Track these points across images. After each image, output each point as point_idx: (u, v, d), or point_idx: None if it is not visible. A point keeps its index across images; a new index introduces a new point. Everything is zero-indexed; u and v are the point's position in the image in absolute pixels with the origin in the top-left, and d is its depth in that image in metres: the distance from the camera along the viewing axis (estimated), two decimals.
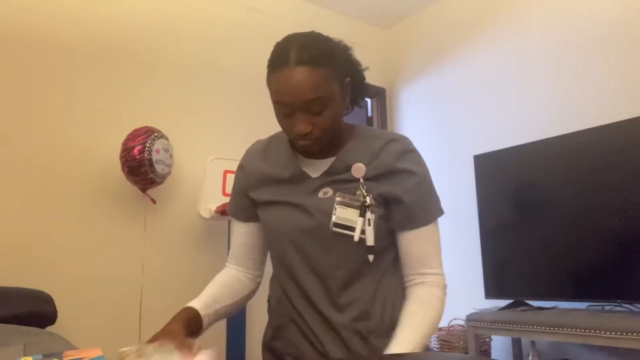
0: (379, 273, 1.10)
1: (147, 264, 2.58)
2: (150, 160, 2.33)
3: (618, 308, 2.27)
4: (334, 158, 1.09)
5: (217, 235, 2.83)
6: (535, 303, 2.56)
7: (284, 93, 0.99)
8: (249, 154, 1.21)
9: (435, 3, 3.65)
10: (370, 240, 1.03)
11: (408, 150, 1.09)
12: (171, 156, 2.49)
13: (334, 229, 1.03)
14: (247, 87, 3.12)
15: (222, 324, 2.67)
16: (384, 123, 3.83)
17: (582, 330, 2.09)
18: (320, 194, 1.07)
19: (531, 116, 2.94)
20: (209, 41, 3.02)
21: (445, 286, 1.09)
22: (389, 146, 1.09)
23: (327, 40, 1.05)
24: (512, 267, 2.62)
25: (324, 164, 1.10)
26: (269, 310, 1.21)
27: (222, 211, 2.53)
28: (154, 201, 2.58)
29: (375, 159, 1.08)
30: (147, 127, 2.43)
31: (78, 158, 2.47)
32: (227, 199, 2.60)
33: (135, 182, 2.41)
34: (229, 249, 2.60)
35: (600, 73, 2.66)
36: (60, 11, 2.53)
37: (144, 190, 2.48)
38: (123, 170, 2.38)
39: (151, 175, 2.36)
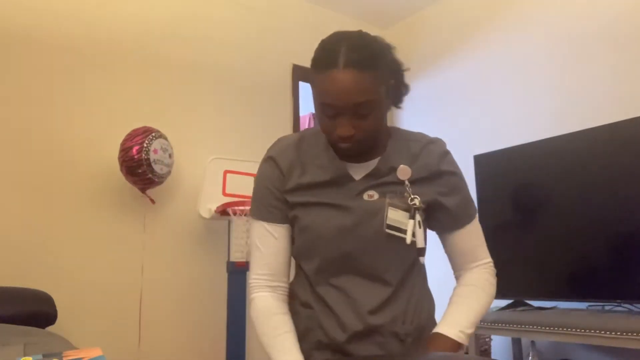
0: (415, 277, 1.12)
1: (147, 264, 2.58)
2: (148, 160, 2.33)
3: (618, 308, 2.27)
4: (375, 160, 1.08)
5: (217, 235, 2.83)
6: (535, 303, 2.56)
7: (331, 95, 0.96)
8: (280, 150, 1.12)
9: (435, 3, 3.65)
10: (420, 242, 1.04)
11: (446, 152, 1.12)
12: (170, 156, 2.49)
13: (388, 230, 1.03)
14: (248, 87, 3.12)
15: (222, 323, 2.67)
16: None
17: (582, 330, 2.09)
18: (365, 197, 1.06)
19: (531, 116, 2.94)
20: (209, 41, 3.02)
21: (494, 271, 1.14)
22: (428, 148, 1.10)
23: (375, 40, 1.02)
24: (512, 267, 2.61)
25: (366, 167, 1.09)
26: (294, 313, 1.14)
27: (222, 211, 2.53)
28: (153, 201, 2.58)
29: (416, 162, 1.08)
30: (145, 127, 2.43)
31: (78, 158, 2.47)
32: (227, 199, 2.60)
33: (134, 182, 2.41)
34: (229, 249, 2.61)
35: (601, 73, 2.66)
36: (59, 11, 2.53)
37: (143, 190, 2.48)
38: (122, 170, 2.38)
39: (150, 175, 2.36)
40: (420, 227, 1.04)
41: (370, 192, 1.07)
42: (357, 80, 0.94)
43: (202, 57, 2.98)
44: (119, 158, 2.38)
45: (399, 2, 3.65)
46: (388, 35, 3.96)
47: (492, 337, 2.83)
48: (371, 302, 1.06)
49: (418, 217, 1.04)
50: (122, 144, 2.38)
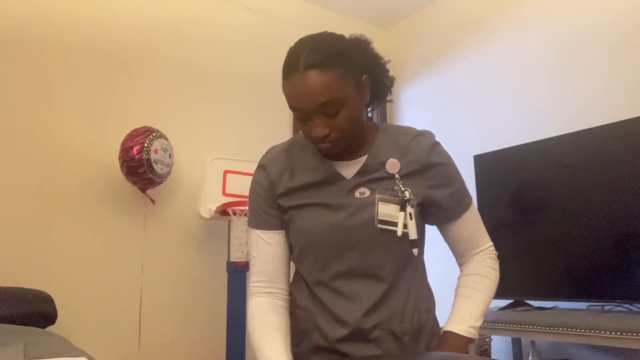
0: (412, 273, 1.11)
1: (147, 264, 2.58)
2: (148, 160, 2.33)
3: (618, 308, 2.27)
4: (364, 157, 1.09)
5: (217, 235, 2.83)
6: (535, 303, 2.56)
7: (296, 99, 0.98)
8: (270, 159, 1.15)
9: (435, 3, 3.65)
10: (413, 234, 1.03)
11: (435, 143, 1.11)
12: (171, 156, 2.49)
13: (379, 225, 1.03)
14: (248, 87, 3.12)
15: (222, 323, 2.67)
16: (384, 122, 3.82)
17: (582, 330, 2.09)
18: (357, 194, 1.06)
19: (531, 116, 2.94)
20: (210, 41, 3.02)
21: (496, 255, 1.16)
22: (417, 140, 1.10)
23: (337, 39, 1.03)
24: (512, 267, 2.61)
25: (356, 165, 1.09)
26: (293, 315, 1.16)
27: (222, 211, 2.53)
28: (153, 201, 2.57)
29: (406, 155, 1.08)
30: (145, 127, 2.43)
31: (78, 158, 2.47)
32: (227, 199, 2.60)
33: (134, 182, 2.41)
34: (229, 249, 2.61)
35: (601, 73, 2.66)
36: (59, 11, 2.53)
37: (143, 190, 2.48)
38: (122, 170, 2.38)
39: (150, 175, 2.36)
40: (411, 219, 1.03)
41: (362, 189, 1.07)
42: (319, 81, 0.95)
43: (202, 58, 2.98)
44: (119, 158, 2.38)
45: (399, 2, 3.65)
46: (388, 35, 3.96)
47: (492, 337, 2.83)
48: (367, 301, 1.05)
49: (409, 209, 1.03)
50: (123, 144, 2.38)
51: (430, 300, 1.16)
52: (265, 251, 1.13)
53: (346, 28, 3.71)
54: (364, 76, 1.05)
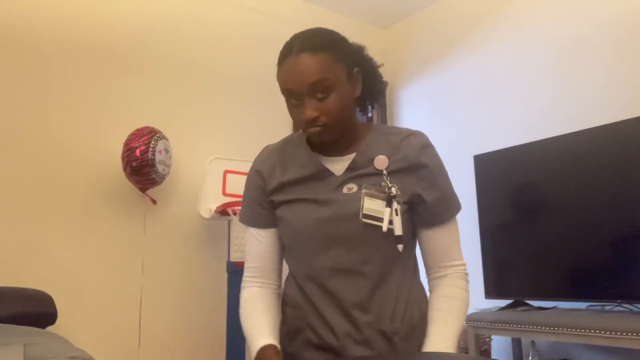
0: (402, 272, 1.10)
1: (147, 264, 2.58)
2: (153, 160, 2.33)
3: (618, 308, 2.27)
4: (354, 154, 1.10)
5: (217, 235, 2.83)
6: (535, 303, 2.56)
7: (288, 80, 1.01)
8: (263, 157, 1.18)
9: (435, 3, 3.65)
10: (398, 230, 1.03)
11: (427, 145, 1.11)
12: (171, 157, 2.49)
13: (364, 219, 1.03)
14: (248, 87, 3.12)
15: (222, 323, 2.67)
16: (384, 123, 3.83)
17: (582, 330, 2.09)
18: (345, 190, 1.07)
19: (531, 116, 2.94)
20: (210, 41, 3.02)
21: (467, 274, 1.14)
22: (408, 140, 1.10)
23: (331, 32, 1.07)
24: (512, 267, 2.61)
25: (345, 161, 1.10)
26: (285, 314, 1.18)
27: (222, 211, 2.53)
28: (154, 201, 2.57)
29: (396, 153, 1.09)
30: (149, 127, 2.43)
31: (78, 158, 2.47)
32: (227, 199, 2.60)
33: (136, 182, 2.41)
34: (229, 249, 2.61)
35: (601, 73, 2.66)
36: (60, 12, 2.53)
37: (143, 190, 2.48)
38: (125, 170, 2.38)
39: (153, 176, 2.36)
40: (397, 215, 1.03)
41: (350, 185, 1.08)
42: (310, 61, 0.99)
43: (202, 57, 2.98)
44: (122, 158, 2.37)
45: (399, 2, 3.65)
46: (388, 35, 3.96)
47: (492, 337, 2.83)
48: (353, 298, 1.05)
49: (395, 205, 1.03)
50: (126, 144, 2.37)
51: (423, 300, 1.15)
52: (258, 248, 1.17)
53: (346, 28, 3.71)
54: (356, 68, 1.08)
